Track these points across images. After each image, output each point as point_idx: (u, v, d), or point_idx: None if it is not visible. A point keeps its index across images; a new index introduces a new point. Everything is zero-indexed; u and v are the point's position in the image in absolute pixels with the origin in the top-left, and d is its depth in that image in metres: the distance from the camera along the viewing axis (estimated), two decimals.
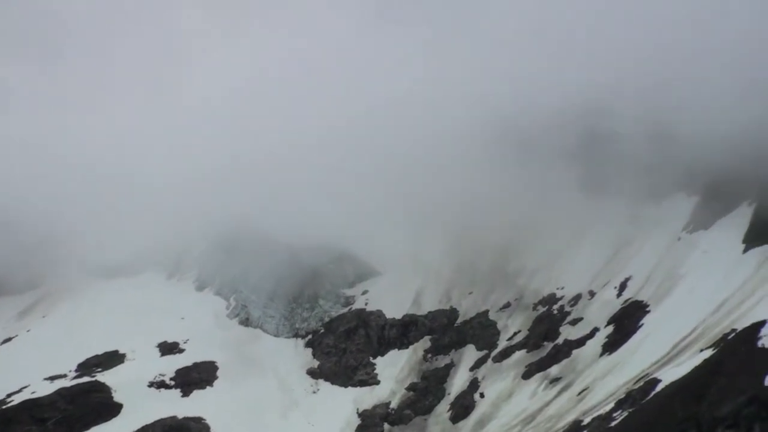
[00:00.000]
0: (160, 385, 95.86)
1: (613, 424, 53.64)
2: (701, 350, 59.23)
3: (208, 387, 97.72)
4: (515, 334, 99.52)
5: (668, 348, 68.84)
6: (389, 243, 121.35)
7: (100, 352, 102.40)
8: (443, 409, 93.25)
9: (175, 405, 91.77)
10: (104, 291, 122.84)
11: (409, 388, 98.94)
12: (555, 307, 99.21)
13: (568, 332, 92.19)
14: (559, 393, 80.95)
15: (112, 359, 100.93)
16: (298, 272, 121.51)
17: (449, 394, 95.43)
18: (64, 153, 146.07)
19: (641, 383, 60.59)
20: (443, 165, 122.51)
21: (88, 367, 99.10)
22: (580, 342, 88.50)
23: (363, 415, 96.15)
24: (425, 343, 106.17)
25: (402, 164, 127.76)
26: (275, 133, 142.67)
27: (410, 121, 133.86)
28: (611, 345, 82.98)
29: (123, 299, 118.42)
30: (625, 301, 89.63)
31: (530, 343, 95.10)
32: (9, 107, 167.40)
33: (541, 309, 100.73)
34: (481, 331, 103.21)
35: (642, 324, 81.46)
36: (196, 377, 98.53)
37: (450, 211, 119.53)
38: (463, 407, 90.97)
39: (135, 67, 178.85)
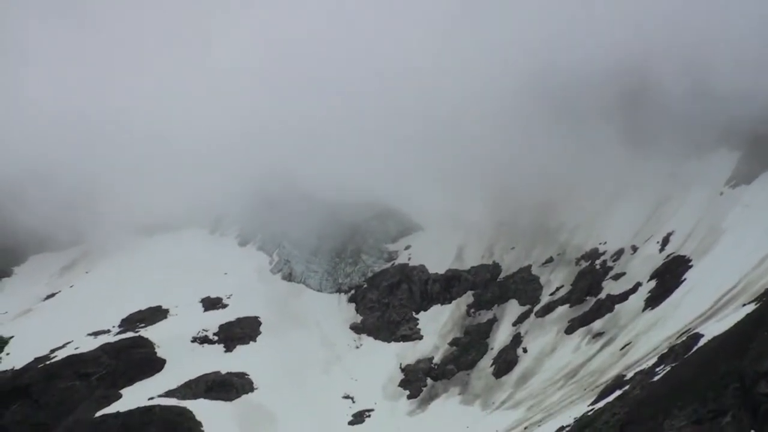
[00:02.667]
0: (204, 340, 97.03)
1: (655, 378, 53.63)
2: (743, 305, 58.96)
3: (251, 342, 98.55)
4: (558, 289, 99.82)
5: (711, 303, 68.67)
6: (430, 199, 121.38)
7: (143, 308, 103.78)
8: (486, 364, 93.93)
9: (219, 360, 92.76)
10: (146, 247, 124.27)
11: (452, 343, 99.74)
12: (597, 262, 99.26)
13: (610, 287, 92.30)
14: (602, 348, 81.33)
15: (155, 315, 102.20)
16: (340, 228, 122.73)
17: (492, 349, 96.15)
18: (103, 112, 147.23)
19: (684, 338, 60.54)
20: (482, 123, 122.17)
21: (131, 322, 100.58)
22: (623, 297, 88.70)
23: (406, 370, 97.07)
24: (468, 298, 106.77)
25: (442, 123, 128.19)
26: (315, 92, 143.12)
27: (449, 82, 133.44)
28: (654, 300, 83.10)
29: (165, 255, 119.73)
30: (668, 255, 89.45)
31: (573, 298, 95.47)
32: (49, 67, 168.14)
33: (584, 264, 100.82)
34: (523, 286, 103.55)
35: (684, 279, 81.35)
36: (239, 332, 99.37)
37: (490, 167, 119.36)
38: (505, 362, 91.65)
39: (167, 27, 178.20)
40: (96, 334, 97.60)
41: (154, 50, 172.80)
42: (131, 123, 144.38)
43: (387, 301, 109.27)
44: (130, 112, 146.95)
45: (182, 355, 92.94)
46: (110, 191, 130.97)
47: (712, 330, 55.73)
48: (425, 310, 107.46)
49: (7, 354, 70.30)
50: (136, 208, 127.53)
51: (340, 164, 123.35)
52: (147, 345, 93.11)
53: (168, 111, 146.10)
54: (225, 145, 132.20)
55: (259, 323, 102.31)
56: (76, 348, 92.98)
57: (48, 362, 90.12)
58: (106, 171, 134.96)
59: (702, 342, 54.01)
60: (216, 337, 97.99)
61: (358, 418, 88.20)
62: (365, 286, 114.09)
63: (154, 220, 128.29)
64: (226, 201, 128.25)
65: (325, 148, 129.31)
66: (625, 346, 76.75)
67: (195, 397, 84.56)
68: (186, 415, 79.67)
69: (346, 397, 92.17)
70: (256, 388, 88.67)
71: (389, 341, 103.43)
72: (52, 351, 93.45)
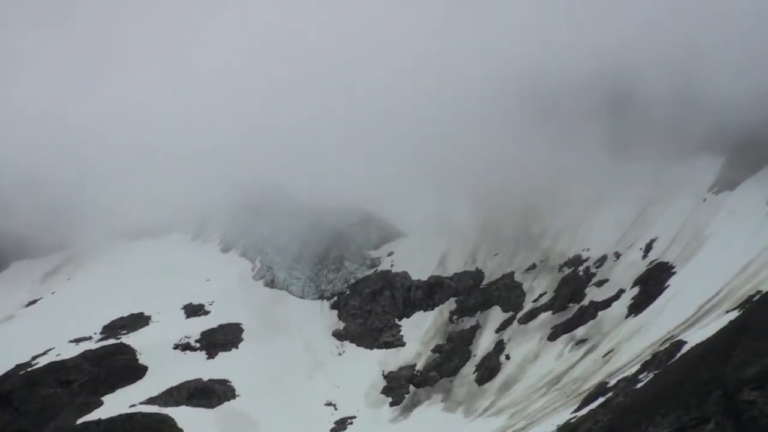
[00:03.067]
0: (186, 347, 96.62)
1: (638, 385, 53.57)
2: (727, 311, 59.08)
3: (233, 349, 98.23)
4: (541, 295, 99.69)
5: (694, 309, 68.76)
6: (414, 205, 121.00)
7: (125, 314, 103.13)
8: (469, 371, 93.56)
9: (201, 367, 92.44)
10: (129, 253, 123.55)
11: (435, 350, 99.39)
12: (580, 268, 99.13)
13: (593, 294, 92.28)
14: (585, 355, 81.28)
15: (137, 321, 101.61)
16: (324, 234, 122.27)
17: (475, 356, 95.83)
18: (86, 117, 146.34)
19: (667, 345, 60.53)
20: (467, 127, 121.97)
21: (113, 329, 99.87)
22: (606, 303, 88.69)
23: (388, 377, 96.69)
24: (451, 304, 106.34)
25: (426, 127, 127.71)
26: (298, 97, 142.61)
27: (434, 84, 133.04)
28: (637, 306, 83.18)
29: (148, 261, 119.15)
30: (651, 262, 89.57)
31: (556, 304, 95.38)
32: (33, 72, 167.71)
33: (567, 270, 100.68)
34: (506, 293, 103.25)
35: (668, 285, 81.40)
36: (221, 339, 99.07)
37: (474, 173, 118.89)
38: (488, 369, 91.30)
39: (152, 31, 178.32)
40: (78, 340, 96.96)
41: (137, 55, 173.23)
42: (115, 128, 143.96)
43: (369, 307, 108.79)
44: (114, 117, 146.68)
45: (164, 361, 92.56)
46: (94, 196, 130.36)
47: (695, 337, 55.77)
48: (408, 316, 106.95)
49: None
50: (119, 214, 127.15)
51: (324, 170, 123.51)
52: (129, 352, 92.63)
53: (152, 116, 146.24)
54: (208, 150, 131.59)
55: (242, 330, 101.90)
56: (58, 355, 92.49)
57: (29, 369, 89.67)
58: (90, 176, 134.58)
59: (685, 349, 53.99)
60: (198, 344, 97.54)
61: (341, 425, 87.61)
62: (348, 292, 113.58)
63: (137, 225, 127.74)
64: (209, 207, 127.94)
65: (308, 154, 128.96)
66: (608, 353, 76.70)
67: (177, 404, 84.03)
68: (168, 422, 79.28)
69: (329, 404, 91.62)
70: (239, 395, 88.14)
71: (372, 348, 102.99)
72: (34, 358, 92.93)
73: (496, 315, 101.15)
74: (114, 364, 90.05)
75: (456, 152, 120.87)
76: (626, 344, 75.22)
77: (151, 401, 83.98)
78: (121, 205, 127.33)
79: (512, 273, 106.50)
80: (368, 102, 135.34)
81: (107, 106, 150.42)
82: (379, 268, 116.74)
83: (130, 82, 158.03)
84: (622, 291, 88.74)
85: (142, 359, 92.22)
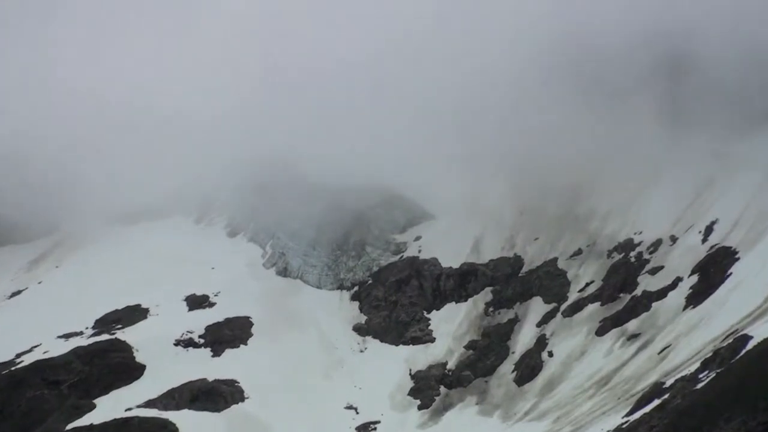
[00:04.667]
0: (188, 343, 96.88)
1: (698, 386, 53.05)
2: None
3: (241, 345, 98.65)
4: (587, 284, 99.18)
5: (761, 300, 67.96)
6: (444, 183, 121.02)
7: (120, 307, 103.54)
8: (507, 369, 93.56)
9: (205, 366, 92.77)
10: (124, 238, 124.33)
11: (468, 347, 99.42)
12: (632, 254, 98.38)
13: (647, 282, 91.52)
14: (638, 351, 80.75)
15: (133, 314, 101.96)
16: (343, 217, 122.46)
17: (513, 353, 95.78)
18: (77, 86, 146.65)
19: (730, 340, 59.99)
20: (502, 97, 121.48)
21: (106, 323, 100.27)
22: (661, 293, 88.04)
23: (416, 376, 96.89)
24: (486, 295, 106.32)
25: (457, 97, 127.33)
26: (314, 68, 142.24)
27: (464, 51, 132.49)
28: (696, 297, 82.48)
29: (145, 247, 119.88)
30: (711, 247, 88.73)
31: (604, 294, 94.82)
32: (22, 45, 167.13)
33: (617, 256, 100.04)
34: (548, 282, 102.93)
35: (730, 273, 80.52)
36: (228, 335, 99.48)
37: (511, 147, 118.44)
38: (529, 367, 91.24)
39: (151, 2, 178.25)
40: (67, 336, 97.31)
41: (137, 22, 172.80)
42: (110, 98, 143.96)
43: (395, 298, 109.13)
44: (110, 90, 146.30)
45: (164, 360, 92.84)
46: (86, 175, 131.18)
47: (762, 331, 55.16)
48: (438, 309, 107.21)
49: None
50: (114, 195, 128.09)
51: (343, 146, 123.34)
52: (124, 349, 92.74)
53: (151, 88, 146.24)
54: (213, 124, 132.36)
55: (251, 324, 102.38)
56: (45, 352, 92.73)
57: (13, 368, 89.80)
58: (82, 152, 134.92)
59: (751, 345, 53.43)
60: (202, 340, 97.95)
61: (363, 431, 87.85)
62: (370, 282, 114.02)
63: (134, 207, 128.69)
64: (214, 186, 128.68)
65: (325, 129, 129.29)
66: (663, 349, 76.21)
67: (178, 407, 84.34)
68: (169, 427, 79.41)
69: (349, 407, 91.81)
70: (248, 398, 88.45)
71: (397, 344, 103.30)
72: (18, 355, 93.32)
73: (537, 307, 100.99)
74: (108, 363, 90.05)
75: (490, 124, 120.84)
76: (684, 339, 74.70)
77: (149, 404, 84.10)
78: (117, 185, 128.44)
79: (555, 259, 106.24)
80: (392, 72, 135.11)
81: (101, 74, 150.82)
82: (405, 255, 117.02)
83: (128, 52, 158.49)
84: (679, 279, 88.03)
85: (139, 357, 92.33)
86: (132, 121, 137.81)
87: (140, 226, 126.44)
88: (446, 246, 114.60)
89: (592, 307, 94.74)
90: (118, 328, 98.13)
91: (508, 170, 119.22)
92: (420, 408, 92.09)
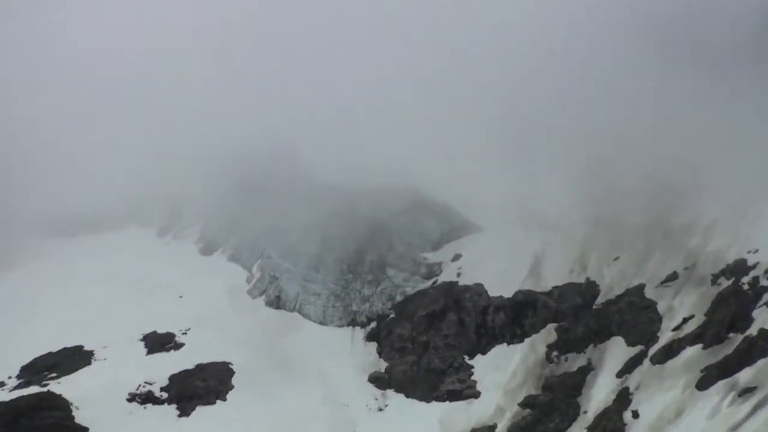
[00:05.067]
0: (147, 398, 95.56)
1: None
2: None
3: (218, 402, 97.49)
4: (685, 320, 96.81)
5: None
6: (492, 184, 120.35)
7: (55, 349, 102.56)
8: None
9: (169, 429, 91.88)
10: (64, 256, 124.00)
11: (525, 404, 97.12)
12: (744, 279, 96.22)
13: (765, 318, 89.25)
14: (754, 411, 78.61)
15: (72, 359, 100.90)
16: (356, 228, 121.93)
17: (586, 412, 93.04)
18: (14, 67, 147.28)
19: None
20: (567, 71, 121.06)
21: (36, 371, 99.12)
22: None
23: None
24: (549, 334, 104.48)
25: (506, 75, 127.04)
26: (320, 33, 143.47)
27: (515, 13, 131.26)
28: None
29: (92, 267, 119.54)
30: None
31: (708, 334, 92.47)
32: None
33: (724, 282, 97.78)
34: (633, 317, 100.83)
35: None
36: (200, 387, 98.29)
37: (581, 138, 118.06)
38: None
39: None
40: None
41: None
42: (50, 76, 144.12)
43: (425, 339, 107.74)
44: (49, 60, 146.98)
45: (114, 420, 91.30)
46: (17, 175, 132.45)
47: None
48: (484, 352, 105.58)
49: None
50: (55, 200, 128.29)
51: (357, 136, 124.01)
52: (60, 405, 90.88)
53: (104, 59, 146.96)
54: (184, 108, 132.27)
55: (231, 373, 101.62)
56: None
57: None
58: (15, 148, 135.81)
59: None
60: (165, 394, 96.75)
61: None
62: (392, 316, 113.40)
63: (78, 215, 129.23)
64: (183, 188, 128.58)
65: (334, 113, 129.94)
66: None
67: None
68: None
69: None
70: None
71: (429, 400, 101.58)
72: None
73: (617, 350, 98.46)
74: (37, 425, 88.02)
75: (552, 109, 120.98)
76: None
77: None
78: (55, 187, 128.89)
79: (642, 286, 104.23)
80: (421, 42, 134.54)
81: (37, 45, 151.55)
82: (440, 279, 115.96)
83: (74, 22, 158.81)
84: None
85: (80, 416, 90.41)
86: (78, 105, 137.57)
87: (84, 241, 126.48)
88: (495, 268, 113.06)
89: (691, 351, 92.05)
90: (52, 378, 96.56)
91: (577, 167, 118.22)
92: None
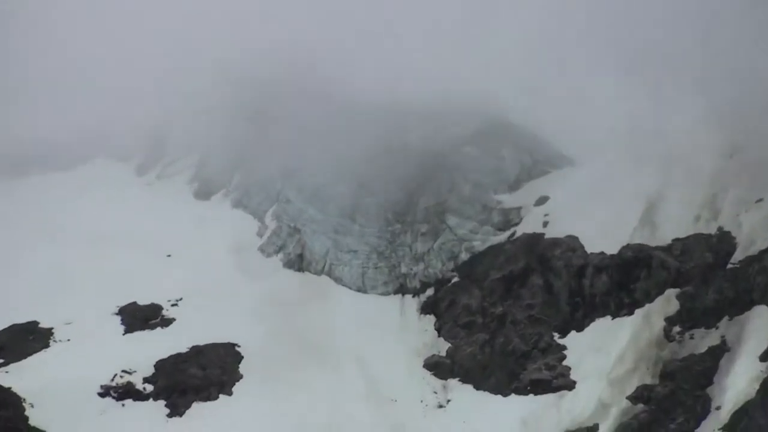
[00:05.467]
0: (125, 392, 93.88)
1: None
2: None
3: (221, 397, 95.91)
4: None
5: None
6: (591, 105, 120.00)
7: (1, 326, 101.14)
8: None
9: None
10: (7, 203, 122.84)
11: (637, 398, 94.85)
12: None
13: None
14: None
15: (24, 341, 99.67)
16: (405, 163, 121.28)
17: (718, 408, 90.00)
18: None
19: None
20: None
21: None
22: None
23: None
24: (668, 303, 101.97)
25: None
26: None
27: None
28: None
29: (46, 218, 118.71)
30: None
31: None
32: None
33: None
34: None
35: None
36: (196, 378, 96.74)
37: (703, 45, 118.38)
38: None
39: None
40: None
41: None
42: None
43: (501, 310, 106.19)
44: None
45: (81, 421, 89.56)
46: None
47: None
48: (579, 329, 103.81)
49: None
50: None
51: (404, 40, 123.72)
52: (9, 402, 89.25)
53: None
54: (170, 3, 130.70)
55: (239, 358, 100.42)
56: None
57: None
58: None
59: None
60: (150, 386, 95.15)
61: None
62: (455, 280, 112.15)
63: (30, 150, 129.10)
64: (170, 110, 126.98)
65: (371, 8, 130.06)
66: None
67: None
68: None
69: None
70: None
71: (507, 394, 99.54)
72: None
73: (761, 324, 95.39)
74: None
75: (662, 10, 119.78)
76: None
77: None
78: (7, 114, 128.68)
79: None
80: None
81: None
82: (520, 231, 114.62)
83: None
84: None
85: (36, 417, 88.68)
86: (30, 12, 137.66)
87: (38, 182, 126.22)
88: (594, 215, 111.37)
89: None
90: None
91: (709, 83, 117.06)
92: None
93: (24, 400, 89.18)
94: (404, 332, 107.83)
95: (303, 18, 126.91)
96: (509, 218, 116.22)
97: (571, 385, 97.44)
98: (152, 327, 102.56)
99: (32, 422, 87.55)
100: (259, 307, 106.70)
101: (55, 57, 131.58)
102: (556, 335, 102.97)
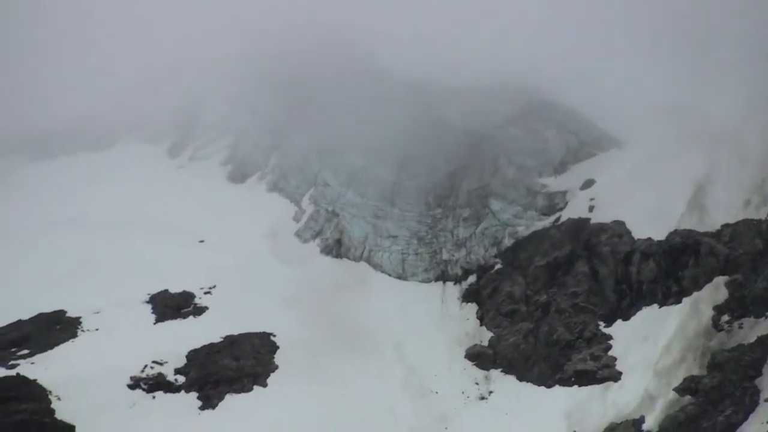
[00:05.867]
0: (155, 384, 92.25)
1: None
2: None
3: (255, 389, 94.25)
4: None
5: None
6: (639, 85, 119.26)
7: (26, 316, 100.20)
8: None
9: (188, 427, 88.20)
10: (35, 186, 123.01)
11: (684, 389, 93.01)
12: None
13: None
14: None
15: (51, 331, 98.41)
16: (446, 144, 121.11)
17: (767, 400, 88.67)
18: None
19: None
20: None
21: (1, 347, 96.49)
22: None
23: None
24: (717, 291, 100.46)
25: None
26: None
27: None
28: None
29: (73, 201, 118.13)
30: None
31: None
32: None
33: None
34: None
35: None
36: (230, 369, 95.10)
37: (749, 23, 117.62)
38: None
39: None
40: None
41: None
42: None
43: (545, 298, 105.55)
44: None
45: (110, 415, 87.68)
46: None
47: None
48: (626, 318, 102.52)
49: None
50: (22, 110, 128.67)
51: (446, 15, 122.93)
52: (35, 395, 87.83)
53: None
54: None
55: (275, 348, 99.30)
56: None
57: None
58: None
59: None
60: (182, 378, 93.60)
61: None
62: (498, 267, 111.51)
63: (60, 132, 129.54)
64: (202, 91, 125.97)
65: None
66: None
67: None
68: None
69: None
70: None
71: (551, 385, 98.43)
72: None
73: None
74: (3, 421, 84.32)
75: None
76: None
77: None
78: (29, 97, 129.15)
79: None
80: None
81: None
82: (565, 215, 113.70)
83: None
84: None
85: (62, 410, 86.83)
86: None
87: (67, 164, 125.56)
88: (642, 199, 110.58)
89: None
90: (23, 356, 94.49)
91: (750, 62, 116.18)
92: None
93: (50, 392, 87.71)
94: (445, 321, 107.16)
95: None
96: (554, 202, 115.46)
97: (616, 376, 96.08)
98: (184, 316, 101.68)
99: (59, 415, 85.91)
100: (296, 295, 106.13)
101: (87, 36, 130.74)
102: (601, 324, 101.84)
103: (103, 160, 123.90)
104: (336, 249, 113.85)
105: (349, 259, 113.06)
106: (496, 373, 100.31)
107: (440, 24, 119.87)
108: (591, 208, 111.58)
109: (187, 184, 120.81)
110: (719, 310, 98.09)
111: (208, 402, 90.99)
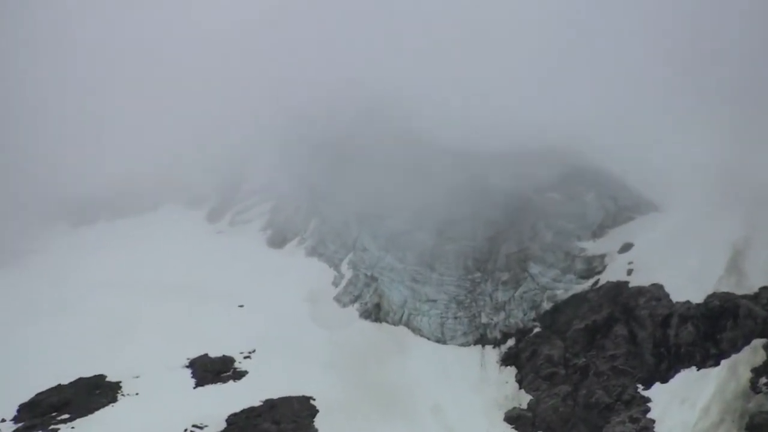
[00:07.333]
0: None
1: None
2: None
3: None
4: None
5: None
6: (678, 150, 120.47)
7: (66, 381, 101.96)
8: None
9: None
10: (77, 251, 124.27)
11: None
12: None
13: None
14: None
15: (91, 395, 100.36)
16: (486, 209, 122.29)
17: None
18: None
19: None
20: None
21: (40, 411, 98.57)
22: None
23: None
24: (756, 354, 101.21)
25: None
26: None
27: None
28: None
29: (115, 266, 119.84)
30: None
31: None
32: None
33: None
34: None
35: None
36: (271, 431, 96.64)
37: None
38: None
39: None
40: None
41: None
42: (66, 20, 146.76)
43: (584, 362, 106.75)
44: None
45: None
46: (25, 152, 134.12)
47: None
48: (664, 380, 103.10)
49: None
50: (62, 177, 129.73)
51: (485, 82, 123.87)
52: None
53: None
54: (243, 48, 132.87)
55: (314, 411, 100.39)
56: None
57: None
58: (15, 114, 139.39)
59: None
60: None
61: None
62: (537, 330, 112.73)
63: (100, 197, 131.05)
64: (242, 157, 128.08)
65: (453, 49, 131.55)
66: None
67: None
68: None
69: None
70: None
71: None
72: None
73: None
74: None
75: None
76: None
77: None
78: (69, 162, 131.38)
79: None
80: None
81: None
82: (603, 279, 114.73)
83: None
84: None
85: None
86: (92, 60, 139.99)
87: (107, 229, 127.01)
88: (680, 262, 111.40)
89: None
90: (63, 421, 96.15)
91: None
92: None
93: None
94: (484, 384, 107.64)
95: (382, 57, 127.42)
96: (593, 266, 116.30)
97: None
98: (224, 380, 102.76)
99: None
100: (335, 358, 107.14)
101: (128, 100, 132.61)
102: (640, 387, 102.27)
103: (144, 225, 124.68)
104: (375, 313, 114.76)
105: (388, 323, 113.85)
106: None
107: (482, 89, 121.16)
108: (629, 272, 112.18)
109: (227, 249, 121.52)
110: (757, 372, 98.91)
111: None
